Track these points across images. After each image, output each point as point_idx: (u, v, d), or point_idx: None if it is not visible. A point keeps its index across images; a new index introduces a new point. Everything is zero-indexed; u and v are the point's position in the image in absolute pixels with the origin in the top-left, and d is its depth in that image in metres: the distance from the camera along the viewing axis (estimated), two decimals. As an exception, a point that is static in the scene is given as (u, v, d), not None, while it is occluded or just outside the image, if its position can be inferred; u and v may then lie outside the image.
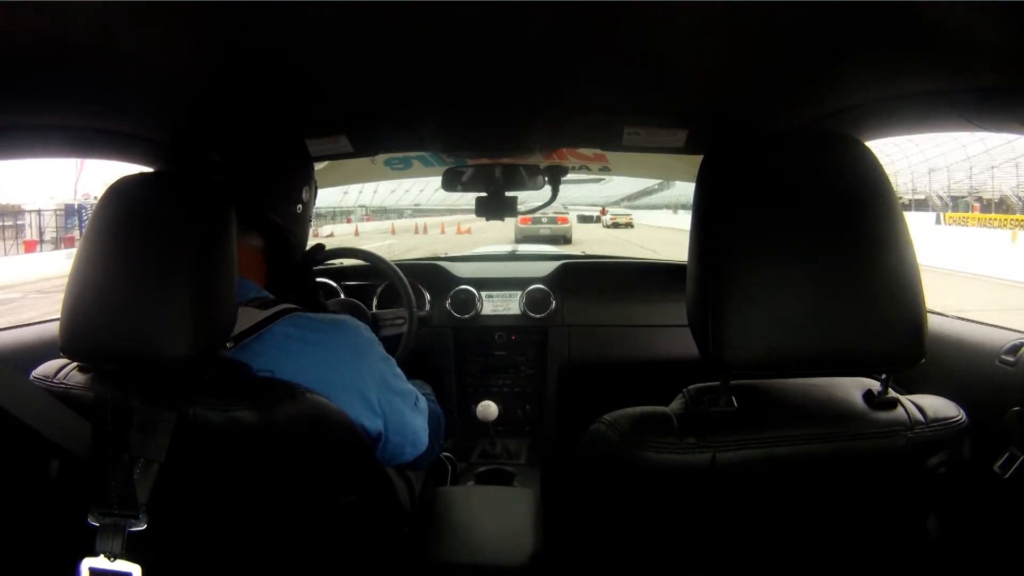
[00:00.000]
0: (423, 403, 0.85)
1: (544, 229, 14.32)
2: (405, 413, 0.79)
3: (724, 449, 0.58)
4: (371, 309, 1.36)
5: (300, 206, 0.82)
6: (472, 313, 1.69)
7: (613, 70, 0.83)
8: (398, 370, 0.81)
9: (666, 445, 0.58)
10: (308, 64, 0.80)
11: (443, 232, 19.22)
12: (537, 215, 14.03)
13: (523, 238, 12.36)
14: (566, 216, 15.88)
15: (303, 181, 0.82)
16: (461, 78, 0.86)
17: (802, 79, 0.83)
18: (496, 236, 12.75)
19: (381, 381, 0.76)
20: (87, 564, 0.59)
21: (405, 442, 0.80)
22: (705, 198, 0.59)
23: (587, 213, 25.53)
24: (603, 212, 24.87)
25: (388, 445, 0.78)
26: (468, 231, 18.48)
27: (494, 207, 1.47)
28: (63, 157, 1.01)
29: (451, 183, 1.49)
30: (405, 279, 1.32)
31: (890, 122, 0.87)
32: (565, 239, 14.25)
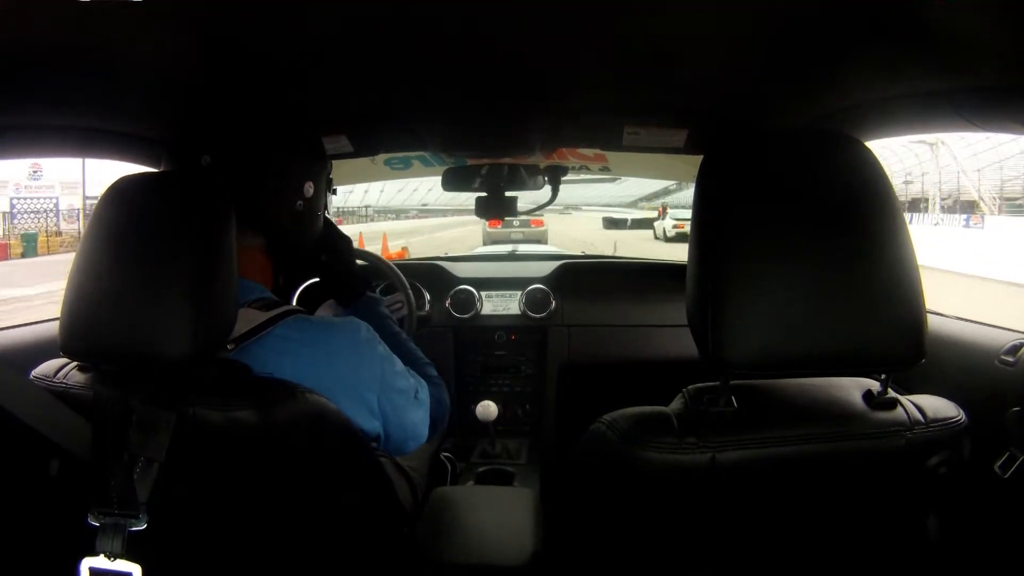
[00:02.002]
0: (423, 394, 0.84)
1: (516, 233, 12.60)
2: (406, 410, 0.79)
3: (724, 449, 0.58)
4: None
5: (302, 202, 0.79)
6: (472, 313, 1.69)
7: (613, 70, 0.83)
8: (399, 366, 0.81)
9: (666, 445, 0.58)
10: (308, 64, 0.80)
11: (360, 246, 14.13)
12: (507, 218, 12.24)
13: (492, 243, 10.95)
14: (540, 219, 13.99)
15: (305, 176, 0.80)
16: (461, 78, 0.86)
17: (802, 79, 0.83)
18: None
19: (381, 382, 0.75)
20: (87, 564, 0.59)
21: (406, 436, 0.81)
22: (705, 198, 0.59)
23: (618, 216, 19.03)
24: (662, 212, 16.54)
25: (389, 441, 0.78)
26: (402, 253, 13.06)
27: (494, 207, 1.47)
28: (63, 157, 1.01)
29: (451, 183, 1.49)
30: (404, 279, 1.32)
31: (890, 122, 0.87)
32: (540, 244, 12.08)
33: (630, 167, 1.88)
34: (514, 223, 12.81)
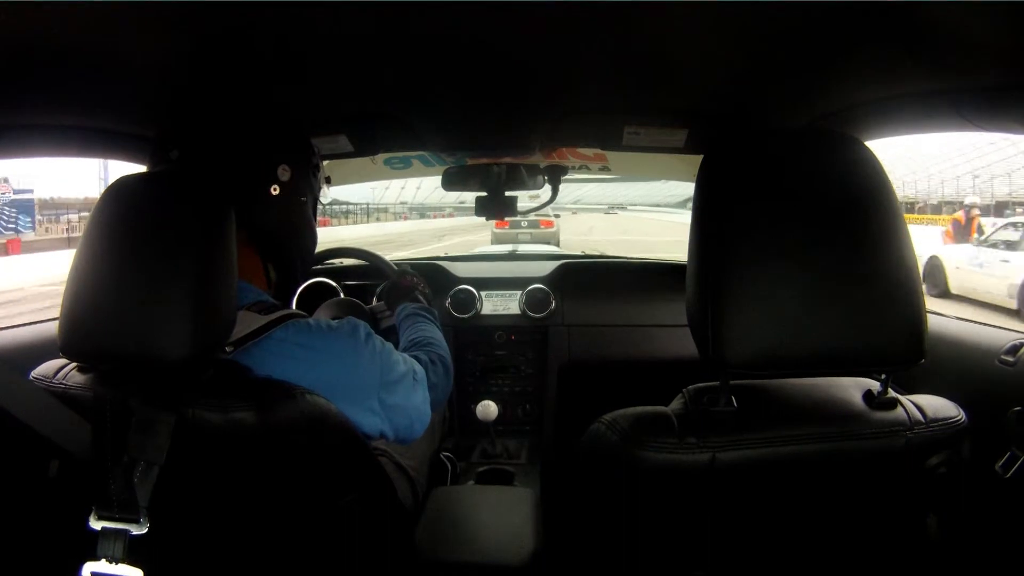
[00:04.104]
0: (420, 373, 0.83)
1: (523, 234, 11.95)
2: (407, 396, 0.79)
3: (724, 449, 0.58)
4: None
5: (276, 187, 0.77)
6: (472, 313, 1.69)
7: (613, 70, 0.83)
8: (395, 356, 0.80)
9: (666, 445, 0.58)
10: (308, 64, 0.80)
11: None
12: (515, 218, 10.53)
13: (498, 244, 10.23)
14: (551, 220, 13.31)
15: (276, 159, 0.78)
16: (461, 78, 0.86)
17: (802, 79, 0.83)
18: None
19: (381, 380, 0.75)
20: (88, 568, 0.59)
21: (412, 422, 0.80)
22: (705, 198, 0.59)
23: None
24: (965, 219, 7.94)
25: (397, 432, 0.78)
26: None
27: (494, 206, 1.47)
28: (61, 156, 1.01)
29: (451, 183, 1.49)
30: None
31: (890, 122, 0.87)
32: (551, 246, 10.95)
33: (630, 167, 1.88)
34: (522, 224, 12.36)
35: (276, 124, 0.81)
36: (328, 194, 1.00)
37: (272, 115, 0.80)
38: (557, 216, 14.64)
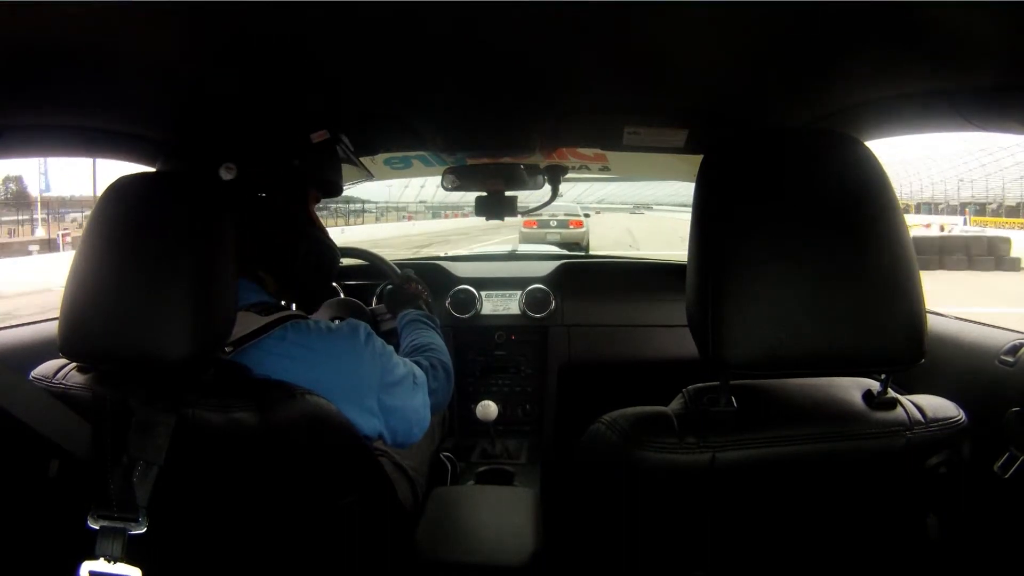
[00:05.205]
0: (420, 377, 0.84)
1: (552, 235, 11.55)
2: (406, 399, 0.79)
3: (724, 449, 0.58)
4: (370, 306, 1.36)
5: (260, 193, 0.78)
6: (472, 313, 1.69)
7: (613, 70, 0.83)
8: (396, 358, 0.80)
9: (666, 445, 0.58)
10: (308, 64, 0.80)
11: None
12: (544, 218, 11.34)
13: (526, 243, 10.11)
14: (580, 220, 12.54)
15: (258, 164, 0.78)
16: (461, 78, 0.86)
17: (802, 79, 0.83)
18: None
19: (380, 382, 0.76)
20: (87, 567, 0.59)
21: (411, 426, 0.80)
22: (705, 198, 0.59)
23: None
24: None
25: (396, 435, 0.78)
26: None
27: (494, 207, 1.47)
28: (63, 156, 1.01)
29: (451, 183, 1.49)
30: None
31: (890, 122, 0.87)
32: (579, 247, 10.73)
33: (630, 167, 1.88)
34: (551, 223, 11.98)
35: (275, 131, 0.81)
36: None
37: (268, 121, 0.81)
38: (587, 216, 14.25)
